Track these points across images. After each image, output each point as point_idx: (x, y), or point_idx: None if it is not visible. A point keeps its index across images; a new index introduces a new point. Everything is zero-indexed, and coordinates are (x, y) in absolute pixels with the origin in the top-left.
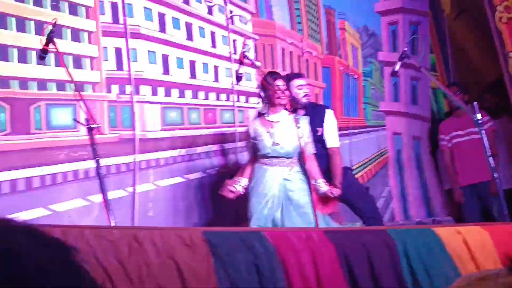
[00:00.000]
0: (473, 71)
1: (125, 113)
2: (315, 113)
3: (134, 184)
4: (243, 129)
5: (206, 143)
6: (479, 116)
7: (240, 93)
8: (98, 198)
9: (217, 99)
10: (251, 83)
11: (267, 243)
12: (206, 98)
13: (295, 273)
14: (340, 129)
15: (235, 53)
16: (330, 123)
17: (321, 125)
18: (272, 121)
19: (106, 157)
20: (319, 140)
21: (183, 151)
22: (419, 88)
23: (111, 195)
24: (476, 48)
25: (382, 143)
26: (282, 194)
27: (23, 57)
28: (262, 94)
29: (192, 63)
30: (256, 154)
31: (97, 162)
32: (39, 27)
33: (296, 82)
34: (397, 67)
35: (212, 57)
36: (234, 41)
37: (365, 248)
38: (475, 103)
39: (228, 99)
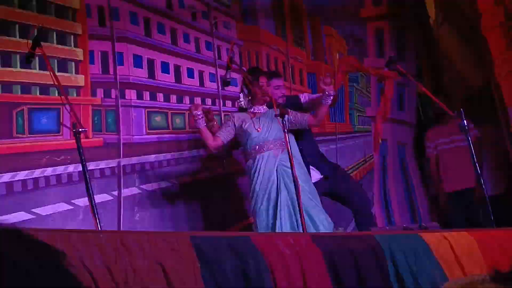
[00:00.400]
0: (459, 77)
1: (109, 117)
2: (288, 103)
3: (119, 188)
4: None
5: (191, 147)
6: (465, 122)
7: (226, 98)
8: (82, 202)
9: (203, 103)
10: (237, 88)
11: (254, 248)
12: (192, 102)
13: (282, 278)
14: (326, 134)
15: (219, 58)
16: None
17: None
18: (255, 112)
19: (90, 161)
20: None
21: (168, 155)
22: (406, 94)
23: (97, 199)
24: (461, 55)
25: (368, 148)
26: (280, 174)
27: (7, 61)
28: (245, 90)
29: (178, 68)
30: (245, 151)
31: (84, 166)
32: (25, 30)
33: (274, 82)
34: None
35: (197, 63)
36: (219, 46)
37: (352, 253)
38: (461, 109)
39: (213, 104)
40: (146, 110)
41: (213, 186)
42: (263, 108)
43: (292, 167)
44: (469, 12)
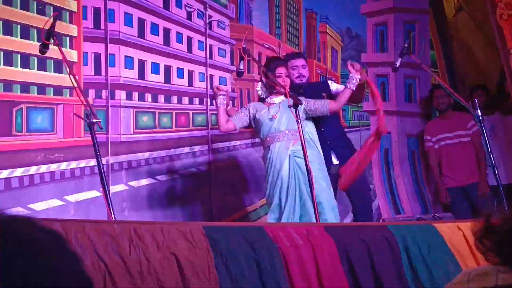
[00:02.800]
0: (475, 68)
1: (100, 117)
2: (314, 89)
3: (108, 185)
4: (216, 131)
5: (177, 145)
6: (479, 112)
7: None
8: (73, 198)
9: (191, 103)
10: (226, 87)
11: (267, 239)
12: (180, 102)
13: (295, 268)
14: None
15: (211, 58)
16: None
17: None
18: (271, 103)
19: (81, 160)
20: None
21: (155, 154)
22: (417, 86)
23: (87, 195)
24: (477, 45)
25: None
26: (292, 166)
27: (8, 60)
28: (264, 79)
29: (168, 68)
30: (261, 141)
31: (98, 157)
32: (25, 30)
33: (291, 62)
34: (398, 63)
35: (188, 62)
36: (211, 46)
37: (365, 244)
38: (475, 99)
39: (201, 103)
40: (134, 110)
41: (200, 181)
42: (279, 99)
43: (305, 157)
44: (485, 1)
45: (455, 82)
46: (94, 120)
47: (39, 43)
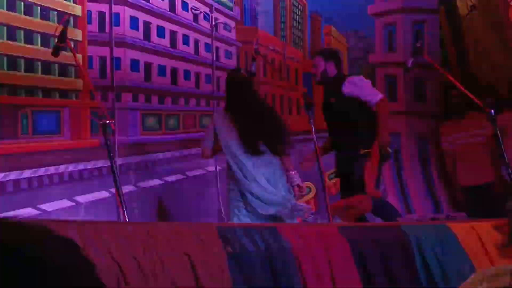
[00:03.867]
0: (488, 66)
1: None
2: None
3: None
4: None
5: (185, 146)
6: (493, 112)
7: (220, 98)
8: (82, 198)
9: (197, 105)
10: None
11: (281, 239)
12: (186, 104)
13: (308, 269)
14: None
15: (217, 60)
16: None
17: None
18: None
19: (88, 161)
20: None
21: (160, 155)
22: (427, 85)
23: (96, 196)
24: (490, 44)
25: None
26: None
27: (12, 65)
28: None
29: (174, 70)
30: None
31: (111, 158)
32: (29, 35)
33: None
34: (410, 63)
35: (194, 64)
36: (217, 48)
37: (379, 244)
38: (490, 99)
39: (208, 105)
40: (141, 112)
41: (207, 182)
42: None
43: (318, 159)
44: (498, 0)
45: (468, 81)
46: (108, 122)
47: (42, 47)
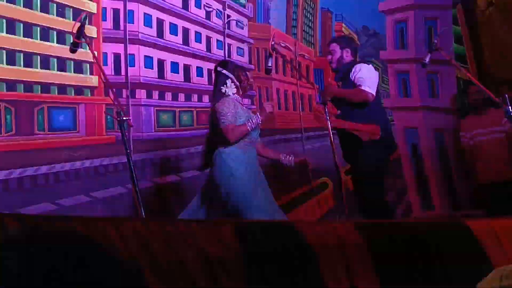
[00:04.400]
0: (505, 63)
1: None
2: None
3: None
4: None
5: (199, 143)
6: (510, 108)
7: None
8: (99, 194)
9: (211, 101)
10: None
11: (298, 236)
12: (200, 100)
13: (325, 267)
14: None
15: (229, 57)
16: None
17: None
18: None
19: (104, 157)
20: None
21: (173, 152)
22: (440, 81)
23: (112, 191)
24: (508, 40)
25: None
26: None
27: (28, 62)
28: (236, 81)
29: (187, 67)
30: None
31: (128, 154)
32: (45, 33)
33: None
34: (427, 59)
35: (207, 61)
36: (230, 45)
37: (395, 241)
38: (506, 95)
39: None
40: (155, 108)
41: None
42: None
43: (333, 152)
44: None
45: (484, 77)
46: (125, 118)
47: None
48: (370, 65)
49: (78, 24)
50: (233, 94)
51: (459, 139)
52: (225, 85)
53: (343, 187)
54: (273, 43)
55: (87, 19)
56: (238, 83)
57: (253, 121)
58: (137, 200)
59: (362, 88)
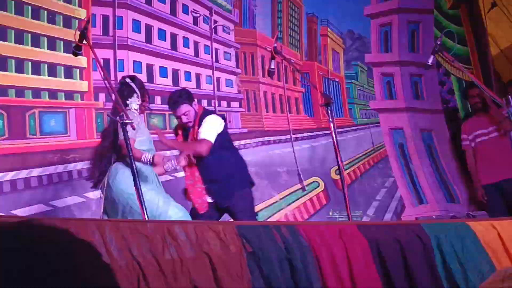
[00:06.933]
0: (508, 62)
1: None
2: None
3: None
4: None
5: None
6: None
7: (220, 98)
8: (92, 195)
9: (199, 103)
10: (232, 88)
11: (300, 238)
12: None
13: (328, 267)
14: (321, 129)
15: (217, 61)
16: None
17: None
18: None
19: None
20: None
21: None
22: (423, 83)
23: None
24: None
25: (376, 139)
26: None
27: (20, 67)
28: (140, 98)
29: (176, 72)
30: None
31: (131, 158)
32: (36, 39)
33: (176, 112)
34: (430, 60)
35: (195, 66)
36: (217, 50)
37: (398, 242)
38: (509, 96)
39: (209, 104)
40: (146, 112)
41: None
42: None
43: (338, 158)
44: None
45: (489, 78)
46: (127, 121)
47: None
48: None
49: (81, 29)
50: (135, 110)
51: (461, 141)
52: (130, 99)
53: (345, 186)
54: (275, 45)
55: (89, 23)
56: (141, 101)
57: (148, 157)
58: (140, 203)
59: (200, 137)
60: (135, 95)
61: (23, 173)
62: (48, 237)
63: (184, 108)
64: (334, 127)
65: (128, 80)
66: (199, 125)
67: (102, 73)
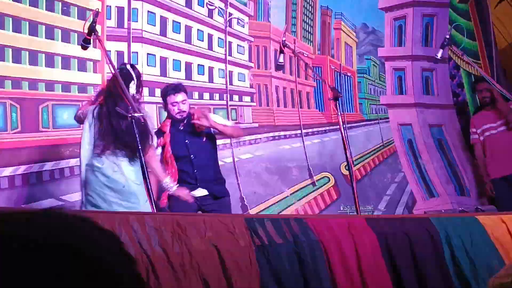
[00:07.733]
0: None
1: None
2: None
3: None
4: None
5: None
6: None
7: (232, 92)
8: None
9: (211, 98)
10: (245, 83)
11: (309, 232)
12: (201, 98)
13: (337, 261)
14: (332, 124)
15: (230, 55)
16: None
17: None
18: None
19: None
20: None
21: None
22: (434, 78)
23: None
24: None
25: (386, 134)
26: None
27: (33, 60)
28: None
29: (189, 65)
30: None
31: (139, 151)
32: (50, 31)
33: (172, 98)
34: (440, 54)
35: (208, 59)
36: (230, 43)
37: (407, 236)
38: None
39: (222, 98)
40: (157, 106)
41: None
42: None
43: (347, 154)
44: None
45: (498, 72)
46: (137, 115)
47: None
48: None
49: (90, 21)
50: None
51: (469, 135)
52: (129, 85)
53: (354, 180)
54: (284, 38)
55: (97, 16)
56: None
57: (169, 186)
58: (148, 195)
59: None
60: (132, 82)
61: (35, 167)
62: (70, 229)
63: (183, 96)
64: (342, 122)
65: (128, 67)
66: (187, 125)
67: (110, 67)
